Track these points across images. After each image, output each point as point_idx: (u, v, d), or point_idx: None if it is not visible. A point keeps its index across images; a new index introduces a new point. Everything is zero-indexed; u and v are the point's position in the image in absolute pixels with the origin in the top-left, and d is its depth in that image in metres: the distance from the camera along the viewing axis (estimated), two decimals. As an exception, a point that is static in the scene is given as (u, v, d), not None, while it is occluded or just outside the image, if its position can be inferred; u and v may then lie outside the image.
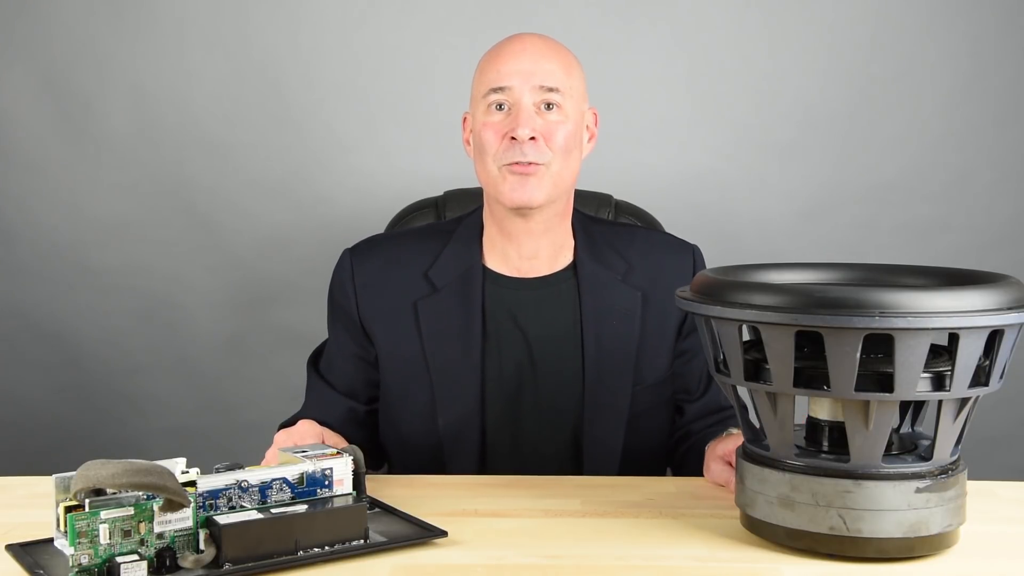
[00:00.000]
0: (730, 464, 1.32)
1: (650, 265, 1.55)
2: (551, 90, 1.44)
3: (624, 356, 1.51)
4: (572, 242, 1.54)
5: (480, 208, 1.56)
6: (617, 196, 1.88)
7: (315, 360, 1.61)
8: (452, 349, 1.49)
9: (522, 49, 1.46)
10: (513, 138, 1.42)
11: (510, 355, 1.50)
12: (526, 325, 1.51)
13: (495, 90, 1.44)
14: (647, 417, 1.54)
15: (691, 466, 1.47)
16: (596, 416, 1.50)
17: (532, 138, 1.42)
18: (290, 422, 1.51)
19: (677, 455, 1.59)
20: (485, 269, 1.52)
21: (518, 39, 1.48)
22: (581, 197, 1.76)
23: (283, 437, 1.33)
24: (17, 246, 2.33)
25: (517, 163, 1.42)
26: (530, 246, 1.50)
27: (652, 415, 1.55)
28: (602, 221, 1.66)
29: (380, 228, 1.86)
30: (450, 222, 1.61)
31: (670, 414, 1.59)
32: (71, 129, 2.29)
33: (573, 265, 1.53)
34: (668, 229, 1.86)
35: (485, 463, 1.51)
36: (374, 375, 1.55)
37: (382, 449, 1.59)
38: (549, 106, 1.44)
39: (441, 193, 1.86)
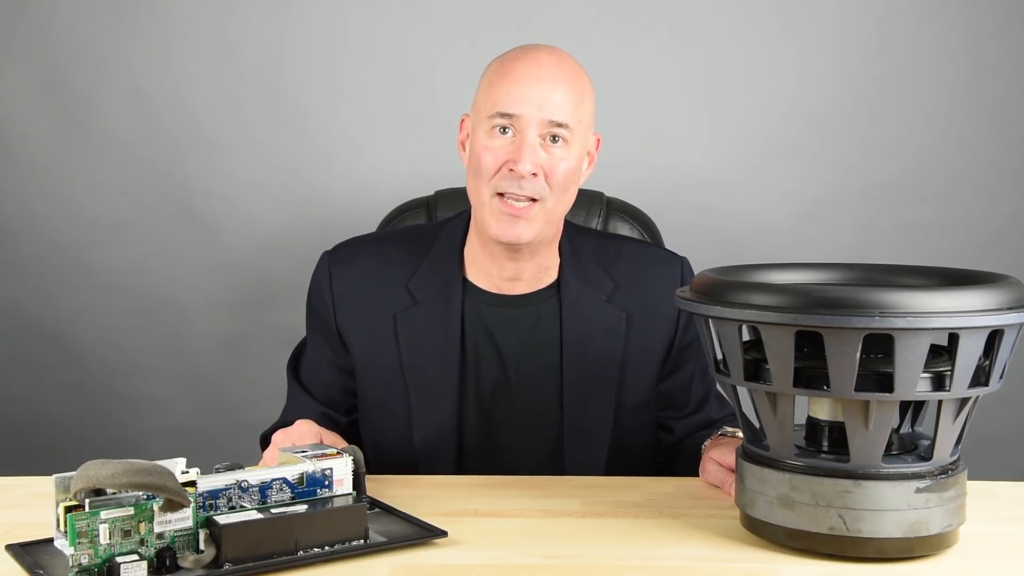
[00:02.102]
0: (722, 465, 1.31)
1: (636, 282, 1.51)
2: (560, 125, 1.38)
3: (605, 379, 1.48)
4: (558, 260, 1.50)
5: (464, 213, 1.52)
6: (613, 194, 1.86)
7: (295, 364, 1.59)
8: (430, 364, 1.47)
9: (537, 75, 1.39)
10: (512, 169, 1.38)
11: (487, 373, 1.48)
12: (502, 343, 1.48)
13: (502, 115, 1.38)
14: (630, 440, 1.52)
15: (684, 468, 1.45)
16: (577, 439, 1.48)
17: (533, 173, 1.38)
18: (270, 431, 1.49)
19: (672, 469, 1.55)
20: (466, 282, 1.49)
21: (533, 58, 1.41)
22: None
23: (281, 437, 1.32)
24: (17, 246, 2.33)
25: (511, 196, 1.38)
26: (512, 269, 1.47)
27: (635, 437, 1.53)
28: (590, 232, 1.62)
29: (372, 228, 1.86)
30: (433, 226, 1.58)
31: (655, 436, 1.56)
32: (71, 129, 2.29)
33: (557, 283, 1.50)
34: (667, 229, 1.86)
35: None
36: (351, 384, 1.53)
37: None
38: (555, 138, 1.39)
39: (432, 193, 1.86)
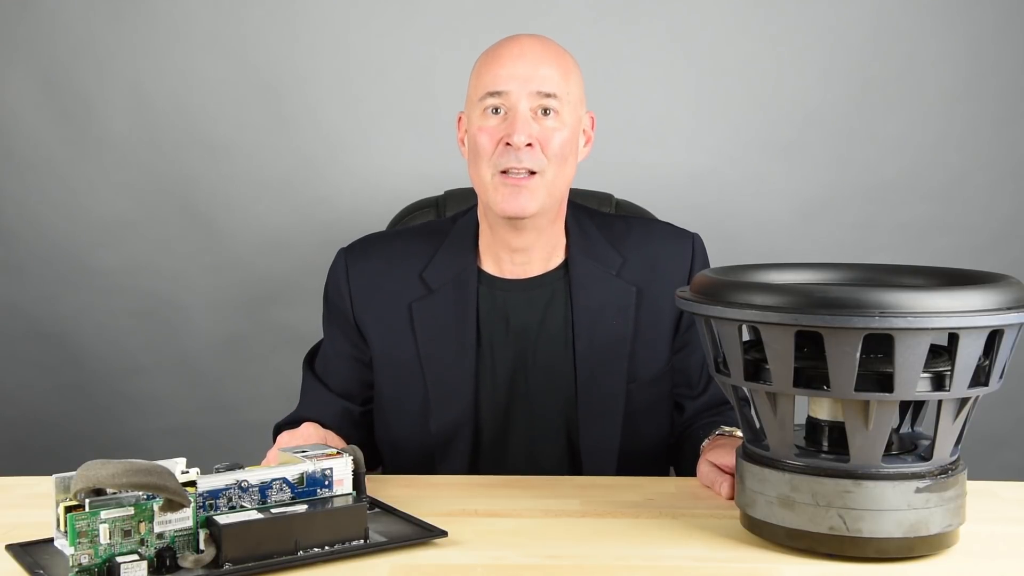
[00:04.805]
0: (717, 466, 1.31)
1: (646, 256, 1.53)
2: (548, 96, 1.42)
3: (617, 353, 1.50)
4: (565, 240, 1.53)
5: (475, 207, 1.55)
6: (618, 195, 1.88)
7: (311, 359, 1.61)
8: (446, 352, 1.49)
9: (520, 53, 1.44)
10: (508, 144, 1.41)
11: (503, 358, 1.50)
12: (519, 327, 1.50)
13: (492, 94, 1.43)
14: (644, 415, 1.53)
15: (688, 463, 1.46)
16: (590, 416, 1.49)
17: (528, 144, 1.41)
18: (286, 423, 1.51)
19: (677, 454, 1.58)
20: (479, 271, 1.51)
21: (516, 41, 1.46)
22: (582, 196, 1.76)
23: (286, 439, 1.33)
24: (17, 246, 2.33)
25: (512, 171, 1.41)
26: (522, 251, 1.50)
27: (649, 413, 1.54)
28: (598, 214, 1.63)
29: (381, 228, 1.86)
30: (445, 221, 1.60)
31: (669, 412, 1.57)
32: (71, 129, 2.29)
33: (565, 263, 1.52)
34: (668, 228, 1.86)
35: (477, 467, 1.50)
36: (369, 376, 1.55)
37: (377, 450, 1.58)
38: (546, 112, 1.42)
39: (442, 193, 1.86)
